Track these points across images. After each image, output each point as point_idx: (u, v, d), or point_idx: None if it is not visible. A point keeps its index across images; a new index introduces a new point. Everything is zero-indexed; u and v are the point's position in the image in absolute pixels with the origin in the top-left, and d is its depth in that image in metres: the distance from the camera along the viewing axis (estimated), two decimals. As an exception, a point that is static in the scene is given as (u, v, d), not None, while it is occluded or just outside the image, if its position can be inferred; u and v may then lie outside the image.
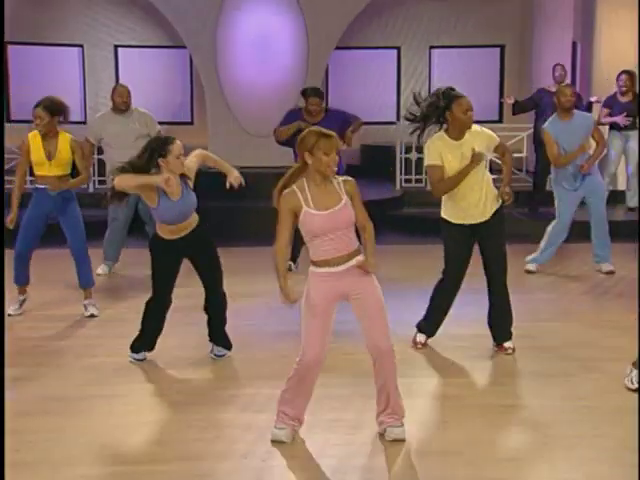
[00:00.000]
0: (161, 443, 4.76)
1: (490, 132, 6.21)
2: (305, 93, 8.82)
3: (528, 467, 4.47)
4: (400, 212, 11.65)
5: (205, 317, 6.24)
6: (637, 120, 11.05)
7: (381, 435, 4.78)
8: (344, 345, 6.30)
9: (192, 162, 5.95)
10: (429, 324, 6.46)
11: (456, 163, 6.01)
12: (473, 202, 6.10)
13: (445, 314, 6.44)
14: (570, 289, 8.30)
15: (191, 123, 15.15)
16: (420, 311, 6.50)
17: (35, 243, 7.30)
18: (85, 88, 15.07)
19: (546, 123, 8.68)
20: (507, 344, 6.34)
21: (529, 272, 8.78)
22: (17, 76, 14.44)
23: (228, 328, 6.32)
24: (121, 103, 8.72)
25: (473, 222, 6.15)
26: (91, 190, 11.72)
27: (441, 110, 6.00)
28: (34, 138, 7.13)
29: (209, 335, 6.26)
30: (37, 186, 7.23)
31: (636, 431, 4.69)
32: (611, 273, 8.70)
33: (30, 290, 7.44)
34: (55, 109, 7.07)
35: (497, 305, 6.36)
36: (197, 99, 14.80)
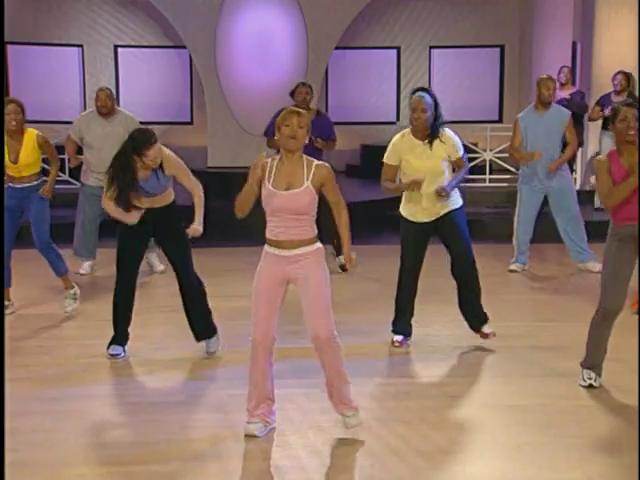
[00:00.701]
0: (160, 443, 4.76)
1: (458, 145, 6.22)
2: (294, 90, 8.90)
3: (528, 467, 4.46)
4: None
5: (218, 337, 6.27)
6: None
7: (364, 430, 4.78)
8: (344, 345, 6.30)
9: (186, 179, 6.06)
10: (399, 318, 6.46)
11: (416, 162, 6.11)
12: (425, 203, 6.18)
13: (410, 302, 6.41)
14: (570, 289, 8.30)
15: (191, 123, 15.14)
16: (418, 312, 6.49)
17: (11, 241, 7.21)
18: (85, 88, 15.06)
19: (521, 112, 8.77)
20: (486, 329, 6.38)
21: (511, 271, 8.76)
22: (17, 76, 14.44)
23: (229, 327, 6.31)
24: (101, 107, 8.58)
25: (426, 220, 6.23)
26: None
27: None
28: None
29: (192, 329, 6.23)
30: (10, 184, 7.15)
31: (636, 431, 4.69)
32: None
33: (29, 290, 7.44)
34: (23, 105, 7.05)
35: (465, 300, 6.40)
36: (197, 99, 14.79)
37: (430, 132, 6.11)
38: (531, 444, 4.72)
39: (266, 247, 4.70)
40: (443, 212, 6.22)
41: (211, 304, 6.31)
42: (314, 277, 4.63)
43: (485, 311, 6.43)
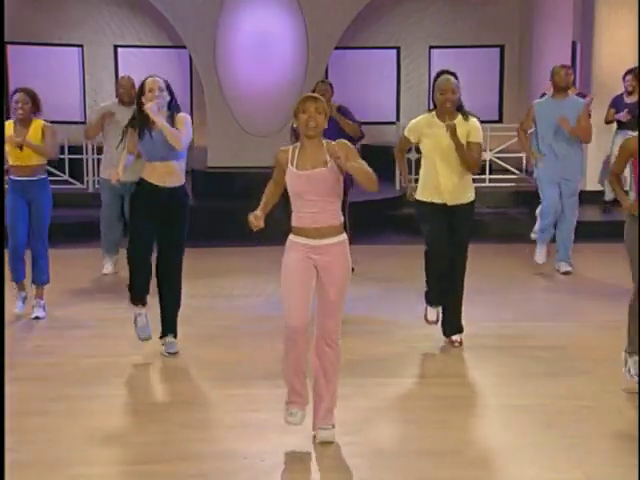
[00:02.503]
0: (160, 443, 4.76)
1: (478, 127, 6.28)
2: (313, 89, 8.93)
3: (528, 467, 4.46)
4: (400, 212, 11.63)
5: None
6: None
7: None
8: (344, 345, 6.30)
9: (182, 123, 6.18)
10: (432, 293, 6.42)
11: (439, 142, 6.14)
12: (443, 182, 6.18)
13: (442, 279, 6.33)
14: (570, 289, 8.30)
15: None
16: (417, 312, 6.50)
17: (25, 234, 7.25)
18: (85, 88, 15.06)
19: (537, 100, 8.77)
20: (455, 337, 6.40)
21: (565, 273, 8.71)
22: (17, 76, 14.42)
23: (228, 327, 6.32)
24: (123, 94, 8.68)
25: (445, 202, 6.21)
26: (91, 190, 11.73)
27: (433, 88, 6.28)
28: (8, 127, 7.12)
29: (162, 320, 6.26)
30: (11, 177, 7.20)
31: (636, 431, 4.69)
32: (567, 274, 8.69)
33: (29, 291, 7.43)
34: (32, 95, 7.17)
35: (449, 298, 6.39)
36: (196, 99, 14.78)
37: (457, 111, 6.19)
38: (531, 444, 4.72)
39: (291, 237, 4.64)
40: (460, 202, 6.23)
41: (211, 304, 6.31)
42: (337, 276, 4.59)
43: (462, 323, 6.42)
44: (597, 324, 7.02)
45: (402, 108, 15.18)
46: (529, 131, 8.90)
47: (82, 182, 11.99)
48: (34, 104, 7.17)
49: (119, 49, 15.14)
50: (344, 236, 4.65)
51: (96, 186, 11.77)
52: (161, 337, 6.28)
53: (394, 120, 14.54)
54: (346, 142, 4.67)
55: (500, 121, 14.73)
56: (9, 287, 7.27)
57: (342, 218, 4.67)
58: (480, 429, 4.97)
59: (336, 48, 13.03)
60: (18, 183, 7.16)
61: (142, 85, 6.12)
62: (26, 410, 5.19)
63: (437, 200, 6.22)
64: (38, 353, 6.38)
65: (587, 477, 4.33)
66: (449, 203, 6.22)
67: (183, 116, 6.22)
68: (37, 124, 7.18)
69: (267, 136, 12.33)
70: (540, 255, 8.75)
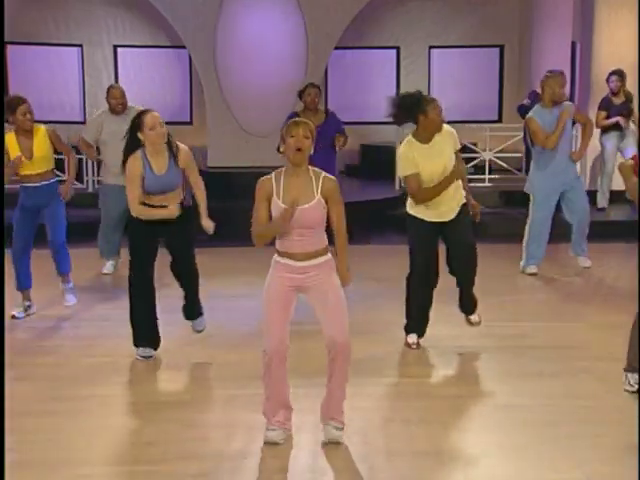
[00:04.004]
0: (160, 443, 4.76)
1: (453, 133, 6.19)
2: (302, 90, 8.93)
3: (528, 467, 4.46)
4: (399, 212, 11.59)
5: (203, 316, 6.26)
6: (630, 119, 11.08)
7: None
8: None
9: (189, 156, 6.07)
10: (412, 321, 6.45)
11: (427, 165, 6.04)
12: (445, 203, 6.13)
13: (424, 310, 6.39)
14: (569, 289, 8.30)
15: (190, 123, 15.14)
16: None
17: (31, 241, 7.27)
18: (84, 88, 15.06)
19: (530, 112, 8.53)
20: (473, 317, 6.51)
21: (532, 274, 8.71)
22: (17, 76, 14.43)
23: (228, 327, 6.32)
24: (116, 105, 8.64)
25: (442, 220, 6.18)
26: (90, 190, 11.72)
27: (414, 112, 5.99)
28: (9, 139, 7.06)
29: (184, 305, 6.33)
30: (23, 185, 7.20)
31: (636, 431, 4.69)
32: (586, 268, 8.74)
33: (34, 291, 7.42)
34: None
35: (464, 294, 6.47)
36: (196, 99, 14.78)
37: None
38: (531, 444, 4.72)
39: (276, 257, 4.63)
40: (454, 215, 6.21)
41: (211, 304, 6.31)
42: (330, 284, 4.59)
43: (475, 299, 6.49)
44: (597, 324, 7.02)
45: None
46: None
47: (82, 182, 11.99)
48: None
49: (119, 49, 15.14)
50: (329, 255, 4.63)
51: (96, 186, 11.80)
52: (190, 319, 6.39)
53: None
54: (335, 182, 4.56)
55: (499, 121, 14.72)
56: (10, 289, 7.27)
57: (326, 241, 4.62)
58: (480, 429, 4.97)
59: (336, 48, 13.04)
60: (30, 189, 7.15)
61: (140, 121, 5.83)
62: (26, 410, 5.19)
63: (435, 219, 6.17)
64: (38, 353, 6.38)
65: (587, 477, 4.33)
66: (442, 219, 6.19)
67: (187, 152, 6.06)
68: (41, 132, 7.14)
69: (267, 136, 12.32)
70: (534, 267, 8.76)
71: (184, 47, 13.22)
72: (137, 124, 5.85)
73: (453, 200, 6.16)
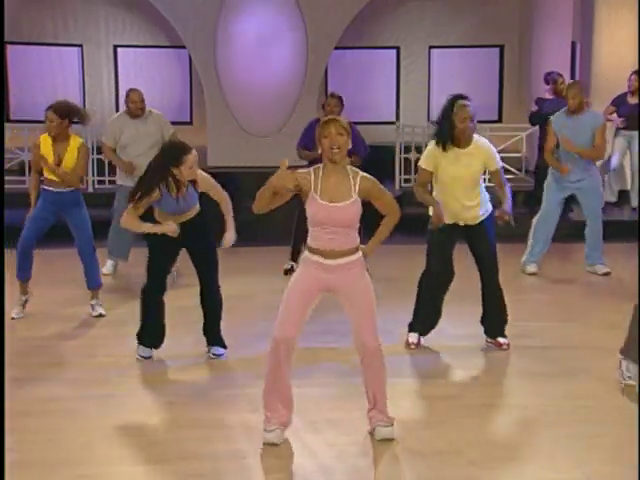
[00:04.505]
0: (160, 443, 4.76)
1: (494, 154, 6.20)
2: (324, 102, 8.91)
3: (528, 467, 4.47)
4: (400, 212, 11.64)
5: (202, 316, 6.24)
6: None
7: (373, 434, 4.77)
8: (345, 345, 6.31)
9: (208, 181, 6.03)
10: (418, 321, 6.46)
11: (450, 168, 6.07)
12: (459, 206, 6.14)
13: (436, 310, 6.41)
14: (569, 289, 8.30)
15: (190, 123, 15.13)
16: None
17: (37, 239, 7.25)
18: (84, 88, 15.05)
19: (554, 116, 8.68)
20: (502, 339, 6.38)
21: (531, 274, 8.72)
22: (17, 76, 14.43)
23: (227, 327, 6.31)
24: (135, 109, 8.63)
25: (461, 224, 6.21)
26: (91, 190, 11.72)
27: (447, 115, 6.06)
28: (45, 141, 7.12)
29: (204, 333, 6.27)
30: (44, 187, 7.21)
31: (636, 431, 4.69)
32: (607, 274, 8.70)
33: (32, 290, 7.42)
34: (65, 112, 7.04)
35: (488, 302, 6.41)
36: (196, 99, 14.78)
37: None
38: (531, 444, 4.72)
39: (307, 254, 4.64)
40: (473, 222, 6.22)
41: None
42: (361, 287, 4.61)
43: (506, 321, 6.43)
44: (597, 324, 7.01)
45: (402, 108, 15.17)
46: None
47: (82, 182, 11.96)
48: (66, 118, 7.04)
49: (119, 49, 15.13)
50: (359, 253, 4.66)
51: (96, 186, 11.81)
52: (208, 345, 6.29)
53: (394, 120, 14.52)
54: (374, 180, 4.62)
55: (500, 121, 14.72)
56: (10, 289, 7.28)
57: (358, 239, 4.67)
58: (480, 429, 4.97)
59: (336, 48, 13.03)
60: (51, 194, 7.15)
61: (181, 157, 5.71)
62: (26, 410, 5.19)
63: (449, 220, 6.14)
64: (38, 353, 6.38)
65: (587, 477, 4.33)
66: (466, 223, 6.20)
67: (205, 179, 6.01)
68: (75, 143, 7.13)
69: (267, 136, 12.34)
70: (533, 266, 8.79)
71: (184, 47, 13.21)
72: (176, 158, 5.75)
73: (469, 203, 6.14)
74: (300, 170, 4.60)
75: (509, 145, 12.28)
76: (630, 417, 4.99)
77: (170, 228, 5.86)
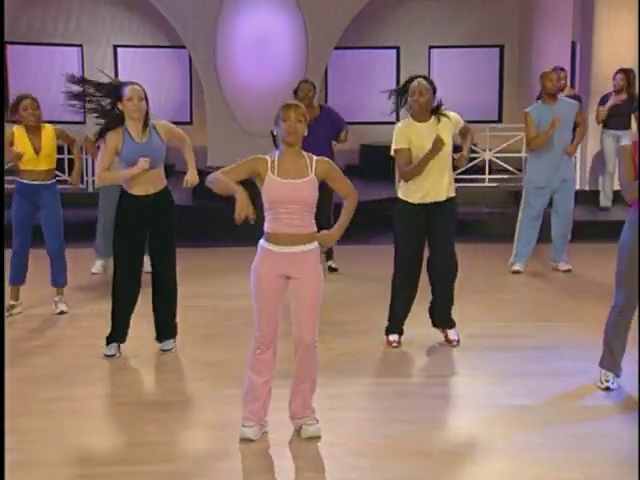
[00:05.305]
0: (160, 443, 4.76)
1: (456, 116, 6.30)
2: (296, 88, 8.92)
3: (528, 467, 4.47)
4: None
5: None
6: (631, 120, 11.06)
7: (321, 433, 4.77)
8: (344, 345, 6.31)
9: (176, 131, 6.19)
10: (393, 325, 6.43)
11: (421, 143, 6.11)
12: (430, 182, 6.14)
13: (405, 311, 6.38)
14: (569, 289, 8.30)
15: (190, 123, 15.13)
16: (416, 312, 6.49)
17: (30, 238, 7.26)
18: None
19: (530, 107, 8.74)
20: (451, 333, 6.39)
21: (516, 272, 8.72)
22: (17, 76, 14.42)
23: (229, 328, 6.31)
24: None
25: (429, 201, 6.18)
26: (90, 190, 11.72)
27: (403, 95, 6.30)
28: (19, 133, 7.12)
29: (155, 327, 6.25)
30: (20, 180, 7.19)
31: (636, 431, 4.69)
32: (568, 271, 8.74)
33: (30, 290, 7.43)
34: (38, 101, 7.20)
35: (439, 292, 6.38)
36: (196, 99, 14.78)
37: (431, 112, 6.19)
38: (531, 444, 4.72)
39: (263, 243, 4.63)
40: (441, 198, 6.21)
41: (211, 304, 6.30)
42: (311, 283, 4.59)
43: (453, 318, 6.42)
44: (596, 324, 6.99)
45: (402, 108, 15.15)
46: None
47: (82, 182, 11.98)
48: (40, 109, 7.20)
49: (119, 49, 15.13)
50: (316, 244, 4.64)
51: (96, 186, 11.80)
52: (160, 341, 6.28)
53: (394, 120, 14.52)
54: (329, 161, 4.67)
55: (500, 121, 14.72)
56: (9, 289, 7.29)
57: (315, 227, 4.64)
58: (479, 429, 4.96)
59: (336, 48, 13.03)
60: (29, 187, 7.14)
61: (120, 91, 5.91)
62: (26, 410, 5.19)
63: (420, 200, 6.18)
64: (38, 353, 6.38)
65: (587, 477, 4.34)
66: (429, 201, 6.19)
67: (165, 124, 6.13)
68: (48, 131, 7.20)
69: (266, 136, 12.22)
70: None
71: (184, 47, 13.21)
72: (117, 95, 5.90)
73: (440, 178, 6.15)
74: (258, 156, 4.67)
75: (509, 145, 12.27)
76: (629, 417, 4.98)
77: (140, 163, 5.86)
